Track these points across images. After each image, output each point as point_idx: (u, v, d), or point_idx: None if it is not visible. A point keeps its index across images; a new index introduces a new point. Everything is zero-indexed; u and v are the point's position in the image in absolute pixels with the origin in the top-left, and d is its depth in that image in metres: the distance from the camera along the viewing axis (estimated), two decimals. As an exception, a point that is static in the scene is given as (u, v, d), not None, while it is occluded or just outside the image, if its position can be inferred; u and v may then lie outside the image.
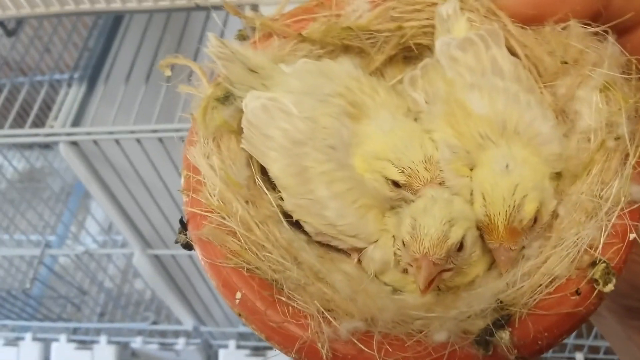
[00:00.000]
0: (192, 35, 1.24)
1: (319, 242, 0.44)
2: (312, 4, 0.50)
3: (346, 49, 0.50)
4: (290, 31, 0.48)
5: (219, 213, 0.41)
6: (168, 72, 0.48)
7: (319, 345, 0.36)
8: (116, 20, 1.32)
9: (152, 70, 1.16)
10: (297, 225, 0.44)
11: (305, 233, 0.43)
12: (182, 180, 0.44)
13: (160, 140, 1.08)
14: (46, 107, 1.31)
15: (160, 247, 1.41)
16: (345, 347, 0.36)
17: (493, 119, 0.40)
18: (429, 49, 0.49)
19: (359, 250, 0.43)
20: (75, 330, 1.67)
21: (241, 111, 0.44)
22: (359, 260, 0.43)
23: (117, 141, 1.12)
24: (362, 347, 0.35)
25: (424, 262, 0.37)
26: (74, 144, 1.15)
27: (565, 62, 0.41)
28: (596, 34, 0.42)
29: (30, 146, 1.78)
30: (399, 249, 0.40)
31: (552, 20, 0.42)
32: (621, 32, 0.43)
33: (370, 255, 0.41)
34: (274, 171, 0.42)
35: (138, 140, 1.11)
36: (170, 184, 1.23)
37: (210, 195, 0.41)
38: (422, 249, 0.37)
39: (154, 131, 1.07)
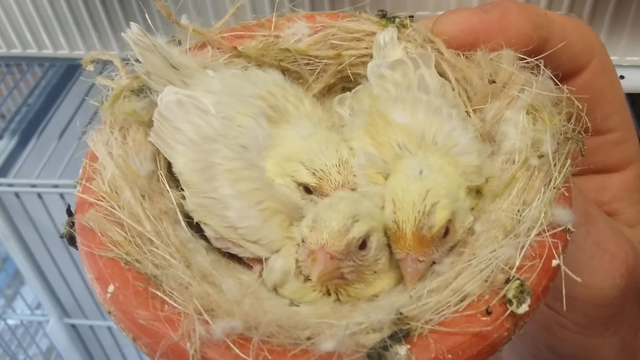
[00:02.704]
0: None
1: (220, 251, 0.39)
2: (252, 23, 0.49)
3: (283, 72, 0.48)
4: (225, 43, 0.47)
5: (108, 201, 0.37)
6: (90, 68, 0.46)
7: (188, 345, 0.31)
8: (63, 78, 1.30)
9: (88, 128, 1.14)
10: (198, 231, 0.40)
11: (206, 240, 0.39)
12: (81, 170, 0.40)
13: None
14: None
15: (79, 316, 1.30)
16: (217, 350, 0.31)
17: (412, 129, 0.38)
18: (366, 79, 0.48)
19: (262, 263, 0.38)
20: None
21: (155, 105, 0.41)
22: (261, 275, 0.38)
23: (39, 195, 1.07)
24: (237, 351, 0.30)
25: (320, 253, 0.33)
26: (-6, 195, 1.10)
27: (494, 82, 0.39)
28: (532, 68, 0.41)
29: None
30: (300, 254, 0.36)
31: (487, 48, 0.41)
32: (560, 79, 0.43)
33: (271, 265, 0.37)
34: (178, 166, 0.39)
35: (61, 196, 1.06)
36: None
37: (102, 182, 0.37)
38: (320, 240, 0.33)
39: (79, 186, 1.03)
